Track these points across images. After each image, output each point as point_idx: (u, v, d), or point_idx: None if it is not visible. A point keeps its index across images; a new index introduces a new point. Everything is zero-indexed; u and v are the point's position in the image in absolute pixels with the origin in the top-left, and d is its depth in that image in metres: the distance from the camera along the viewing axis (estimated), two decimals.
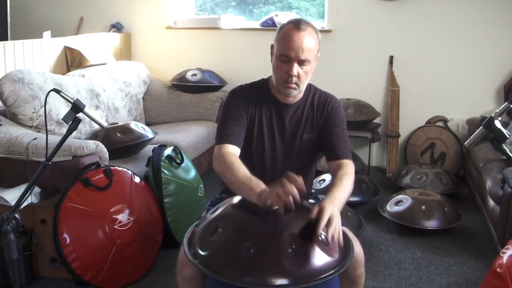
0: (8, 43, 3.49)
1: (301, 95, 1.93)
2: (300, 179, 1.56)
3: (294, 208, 1.48)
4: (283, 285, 1.37)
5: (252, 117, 1.90)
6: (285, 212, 1.48)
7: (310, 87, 1.97)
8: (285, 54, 1.78)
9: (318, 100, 1.95)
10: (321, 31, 4.41)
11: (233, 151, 1.81)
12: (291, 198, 1.47)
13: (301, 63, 1.78)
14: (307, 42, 1.77)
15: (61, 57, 3.93)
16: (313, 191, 2.21)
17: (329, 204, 1.52)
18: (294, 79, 1.80)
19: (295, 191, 1.49)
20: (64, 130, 3.05)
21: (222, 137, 1.84)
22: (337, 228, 1.49)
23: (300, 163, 1.97)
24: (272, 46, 1.87)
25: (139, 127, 3.27)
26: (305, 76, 1.82)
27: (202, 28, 4.65)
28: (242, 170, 1.69)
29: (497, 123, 1.72)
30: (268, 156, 1.94)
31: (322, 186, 3.50)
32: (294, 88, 1.83)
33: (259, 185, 1.58)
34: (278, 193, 1.48)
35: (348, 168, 1.83)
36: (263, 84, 1.97)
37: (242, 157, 1.83)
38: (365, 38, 4.36)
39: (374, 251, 2.97)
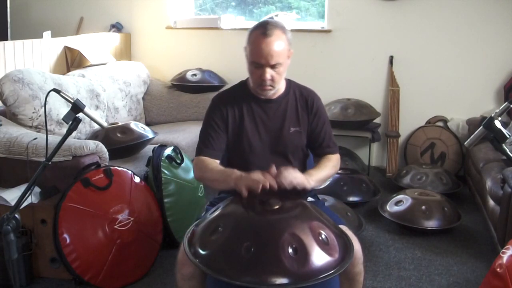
0: (8, 43, 3.49)
1: (281, 90, 1.99)
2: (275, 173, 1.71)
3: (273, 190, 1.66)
4: (283, 284, 1.37)
5: (234, 118, 1.97)
6: (264, 195, 1.63)
7: (289, 82, 2.03)
8: (256, 62, 1.84)
9: (299, 94, 2.02)
10: (321, 31, 4.43)
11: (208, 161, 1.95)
12: (268, 184, 1.64)
13: (273, 66, 1.84)
14: (276, 46, 1.81)
15: (61, 57, 3.93)
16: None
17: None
18: (268, 82, 1.86)
19: (273, 181, 1.66)
20: (64, 130, 3.05)
21: (198, 150, 1.96)
22: (288, 176, 1.69)
23: (291, 157, 2.01)
24: (245, 49, 1.92)
25: (139, 127, 3.27)
26: (279, 77, 1.88)
27: (202, 28, 4.65)
28: (217, 167, 1.86)
29: (497, 123, 1.72)
30: (258, 151, 1.98)
31: (322, 186, 3.49)
32: (270, 89, 1.90)
33: (234, 172, 1.75)
34: (257, 178, 1.65)
35: (334, 161, 1.99)
36: (242, 85, 2.04)
37: (234, 155, 1.98)
38: (365, 38, 4.36)
39: (374, 251, 2.97)
